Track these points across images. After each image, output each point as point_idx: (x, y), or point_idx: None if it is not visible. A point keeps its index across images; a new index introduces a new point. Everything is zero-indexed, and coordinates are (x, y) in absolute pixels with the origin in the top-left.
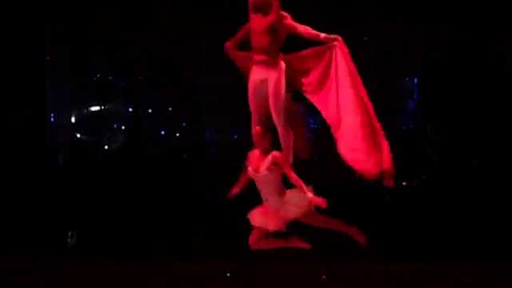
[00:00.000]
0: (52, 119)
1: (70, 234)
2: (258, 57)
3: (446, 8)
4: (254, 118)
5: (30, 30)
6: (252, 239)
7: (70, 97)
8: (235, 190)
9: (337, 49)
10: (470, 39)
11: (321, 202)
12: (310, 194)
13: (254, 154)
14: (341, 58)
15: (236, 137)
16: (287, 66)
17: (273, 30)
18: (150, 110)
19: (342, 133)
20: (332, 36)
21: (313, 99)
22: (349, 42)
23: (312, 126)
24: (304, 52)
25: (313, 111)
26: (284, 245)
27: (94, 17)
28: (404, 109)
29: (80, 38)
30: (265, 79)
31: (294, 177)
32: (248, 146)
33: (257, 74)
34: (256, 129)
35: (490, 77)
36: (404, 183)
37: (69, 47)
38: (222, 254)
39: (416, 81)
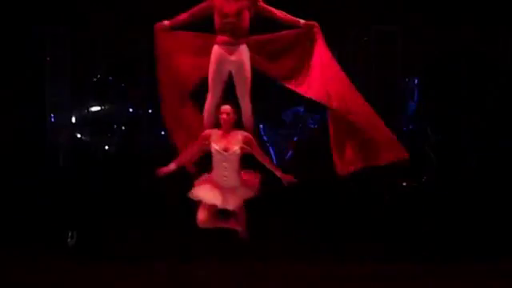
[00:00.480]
0: (52, 119)
1: (69, 234)
2: (225, 38)
3: (446, 8)
4: (213, 99)
5: (29, 30)
6: (204, 217)
7: (70, 97)
8: (172, 167)
9: (319, 35)
10: (470, 39)
11: (291, 178)
12: (279, 172)
13: (216, 133)
14: (324, 45)
15: None
16: (253, 48)
17: (244, 12)
18: (150, 111)
19: (358, 118)
20: (311, 22)
21: (290, 84)
22: (349, 43)
23: (312, 126)
24: (274, 35)
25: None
26: (223, 225)
27: (94, 17)
28: (404, 109)
29: (80, 39)
30: (232, 61)
31: (265, 156)
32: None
33: (222, 55)
34: (226, 108)
35: (489, 77)
36: (404, 184)
37: (69, 48)
38: (223, 255)
39: (416, 81)
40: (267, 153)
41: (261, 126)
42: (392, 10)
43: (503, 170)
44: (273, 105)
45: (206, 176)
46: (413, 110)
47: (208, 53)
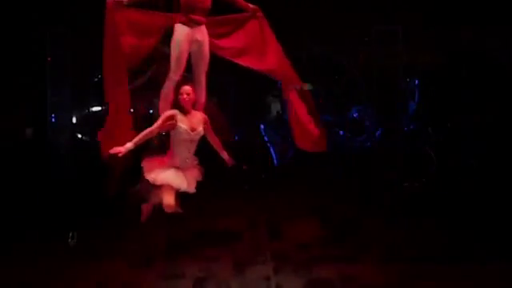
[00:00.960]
0: (53, 120)
1: (70, 234)
2: (192, 17)
3: (445, 8)
4: (175, 79)
5: (29, 30)
6: (172, 201)
7: (70, 97)
8: (129, 146)
9: (264, 19)
10: (471, 39)
11: (232, 162)
12: (225, 155)
13: (179, 113)
14: (268, 27)
15: (236, 137)
16: (208, 29)
17: None
18: (151, 111)
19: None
20: (255, 7)
21: (240, 60)
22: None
23: None
24: (222, 18)
25: None
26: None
27: (95, 17)
28: (405, 109)
29: (80, 39)
30: (196, 40)
31: (215, 137)
32: (247, 144)
33: (189, 35)
34: (187, 88)
35: (490, 76)
36: (405, 184)
37: (70, 48)
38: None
39: (417, 82)
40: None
41: (262, 126)
42: (392, 9)
43: (504, 170)
44: (273, 105)
45: (155, 158)
46: (413, 110)
47: (156, 33)
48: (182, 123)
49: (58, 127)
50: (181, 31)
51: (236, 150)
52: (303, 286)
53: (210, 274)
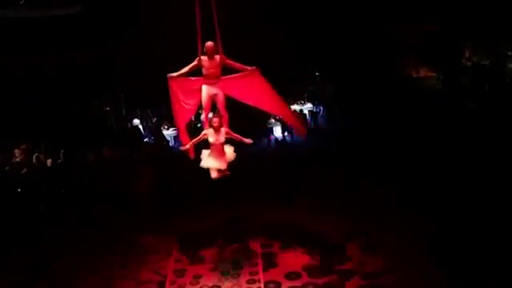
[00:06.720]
0: None
1: None
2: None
3: None
4: (204, 114)
5: None
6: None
7: None
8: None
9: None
10: None
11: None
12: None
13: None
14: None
15: None
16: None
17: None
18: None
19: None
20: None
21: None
22: None
23: None
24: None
25: None
26: None
27: None
28: None
29: None
30: (215, 92)
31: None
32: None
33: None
34: (215, 120)
35: None
36: None
37: None
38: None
39: None
40: None
41: None
42: None
43: None
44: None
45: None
46: None
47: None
48: (211, 136)
49: None
50: (204, 89)
51: None
52: None
53: None
